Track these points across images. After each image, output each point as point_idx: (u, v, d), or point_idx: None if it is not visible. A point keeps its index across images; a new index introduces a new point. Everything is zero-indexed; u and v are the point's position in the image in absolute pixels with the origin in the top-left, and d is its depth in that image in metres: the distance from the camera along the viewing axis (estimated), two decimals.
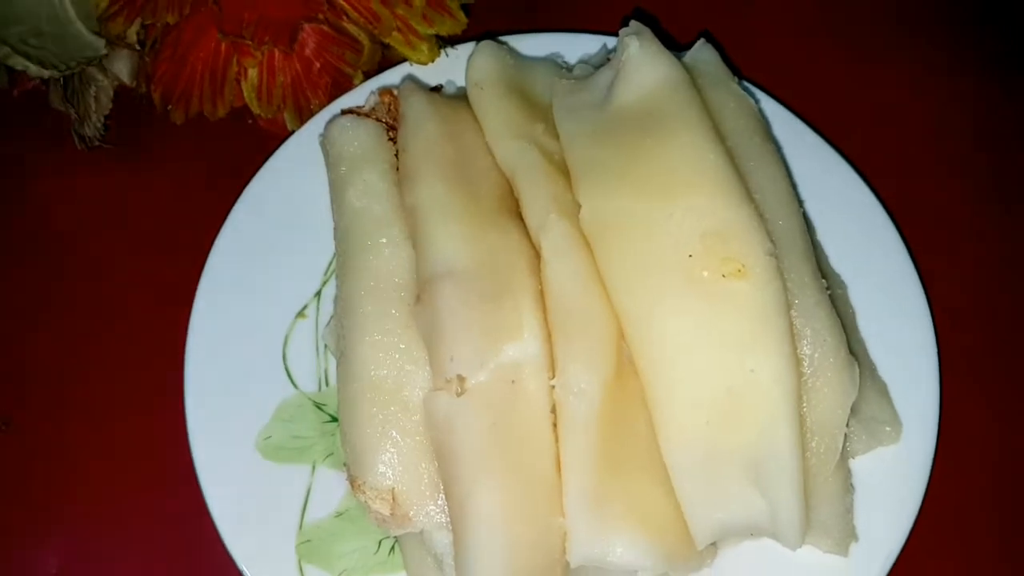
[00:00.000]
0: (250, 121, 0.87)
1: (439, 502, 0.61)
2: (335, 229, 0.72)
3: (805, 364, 0.61)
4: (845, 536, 0.63)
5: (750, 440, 0.58)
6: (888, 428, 0.67)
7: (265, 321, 0.73)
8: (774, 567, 0.63)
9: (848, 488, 0.63)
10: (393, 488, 0.61)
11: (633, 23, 0.71)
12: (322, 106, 0.82)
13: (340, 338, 0.67)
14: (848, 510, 0.63)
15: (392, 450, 0.62)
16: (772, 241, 0.61)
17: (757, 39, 0.92)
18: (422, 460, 0.62)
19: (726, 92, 0.71)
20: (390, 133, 0.74)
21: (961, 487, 0.72)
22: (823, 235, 0.74)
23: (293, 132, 0.81)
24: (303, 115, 0.82)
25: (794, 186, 0.69)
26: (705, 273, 0.60)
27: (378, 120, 0.75)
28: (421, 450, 0.62)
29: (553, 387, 0.61)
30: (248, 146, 0.84)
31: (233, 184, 0.78)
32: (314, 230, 0.76)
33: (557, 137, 0.71)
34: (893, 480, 0.66)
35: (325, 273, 0.76)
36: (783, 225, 0.65)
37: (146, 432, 0.75)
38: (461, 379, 0.60)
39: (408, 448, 0.62)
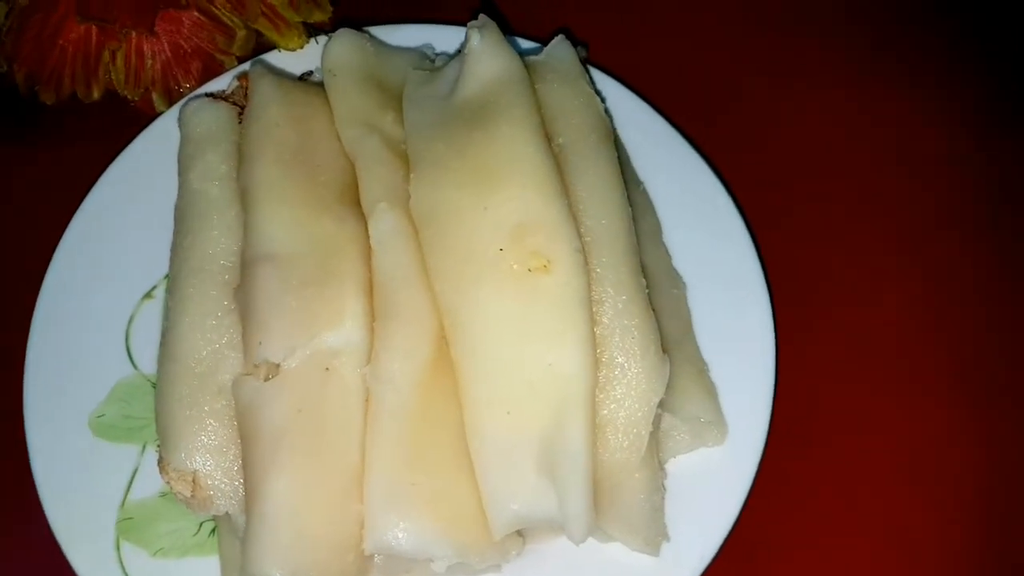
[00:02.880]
0: (133, 103, 0.87)
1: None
2: (175, 209, 0.72)
3: (618, 359, 0.61)
4: (655, 535, 0.62)
5: (545, 433, 0.58)
6: (714, 429, 0.67)
7: (112, 300, 0.74)
8: (585, 562, 0.64)
9: (658, 487, 0.63)
10: (196, 471, 0.61)
11: (481, 16, 0.71)
12: (193, 89, 0.82)
13: (166, 311, 0.68)
14: (656, 509, 0.63)
15: (199, 433, 0.62)
16: (580, 238, 0.61)
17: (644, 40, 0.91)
18: (231, 445, 0.62)
19: (573, 89, 0.71)
20: (242, 117, 0.75)
21: (789, 490, 0.71)
22: (673, 237, 0.74)
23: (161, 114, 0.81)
24: (173, 97, 0.82)
25: (623, 187, 0.68)
26: (514, 266, 0.60)
27: (234, 104, 0.76)
28: (232, 435, 0.62)
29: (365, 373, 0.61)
30: (126, 127, 0.84)
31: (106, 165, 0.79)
32: (166, 213, 0.76)
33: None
34: (716, 482, 0.66)
35: None
36: (605, 224, 0.65)
37: None
38: (269, 364, 0.60)
39: (218, 432, 0.62)
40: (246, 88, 0.76)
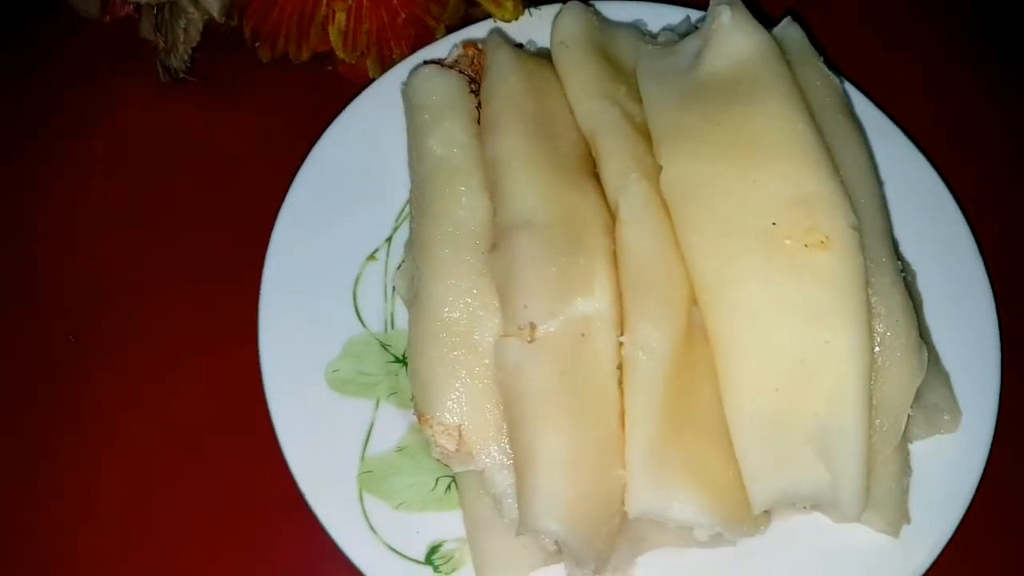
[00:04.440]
0: (330, 68, 0.89)
1: (502, 444, 0.62)
2: (413, 175, 0.73)
3: (876, 342, 0.62)
4: (898, 517, 0.63)
5: (818, 411, 0.59)
6: (947, 416, 0.67)
7: (338, 261, 0.75)
8: (824, 541, 0.64)
9: (906, 470, 0.64)
10: (460, 425, 0.62)
11: None
12: (404, 56, 0.83)
13: (414, 279, 0.69)
14: (904, 491, 0.63)
15: (461, 389, 0.63)
16: (856, 216, 0.61)
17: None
18: (488, 402, 0.63)
19: (812, 70, 0.71)
20: (472, 86, 0.75)
21: (1016, 481, 0.71)
22: (894, 222, 0.74)
23: (374, 79, 0.82)
24: (385, 63, 0.83)
25: (875, 167, 0.69)
26: (788, 241, 0.61)
27: (461, 72, 0.76)
28: (488, 393, 0.63)
29: (621, 344, 0.62)
30: (328, 91, 0.86)
31: (309, 128, 0.80)
32: (389, 178, 0.78)
33: (639, 101, 0.71)
34: (948, 468, 0.66)
35: (396, 220, 0.77)
36: (864, 203, 0.65)
37: (219, 365, 0.76)
38: (533, 327, 0.61)
39: (476, 389, 0.63)
40: (472, 57, 0.77)
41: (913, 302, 0.68)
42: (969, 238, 0.73)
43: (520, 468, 0.59)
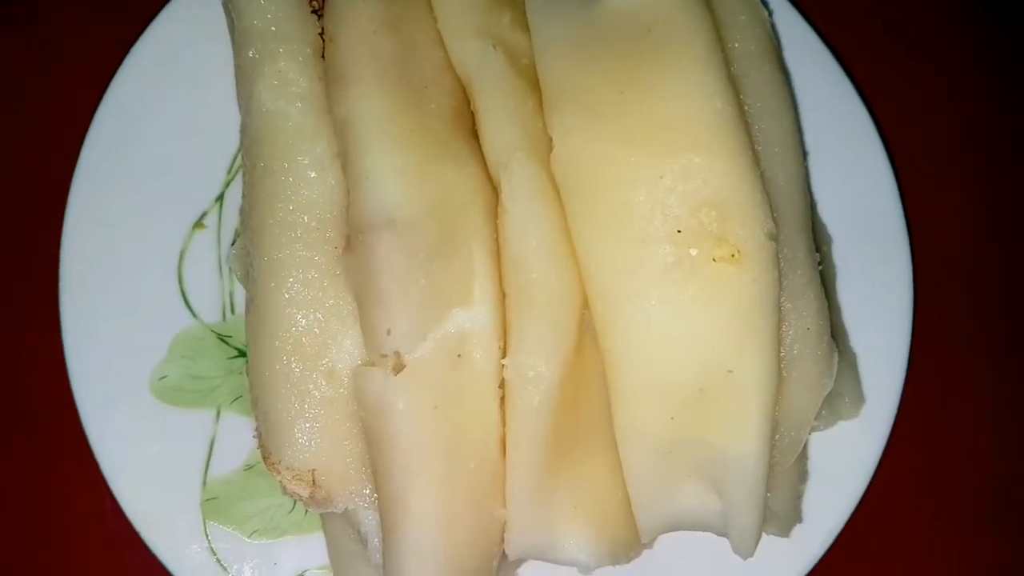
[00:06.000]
0: None
1: (366, 484, 0.54)
2: (242, 128, 0.58)
3: (784, 353, 0.55)
4: (791, 520, 0.60)
5: (715, 442, 0.53)
6: (848, 401, 0.63)
7: (155, 232, 0.61)
8: (713, 542, 0.61)
9: (803, 477, 0.60)
10: (314, 470, 0.53)
11: None
12: None
13: (250, 268, 0.56)
14: (799, 497, 0.60)
15: (313, 425, 0.53)
16: (774, 217, 0.52)
17: None
18: (347, 435, 0.54)
19: (739, 1, 0.58)
20: (313, 2, 0.59)
21: (916, 467, 0.69)
22: (816, 177, 0.65)
23: None
24: None
25: (799, 135, 0.58)
26: (694, 252, 0.51)
27: None
28: (347, 424, 0.54)
29: (504, 365, 0.53)
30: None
31: (105, 51, 0.62)
32: (215, 114, 0.62)
33: (528, 30, 0.57)
34: (844, 457, 0.63)
35: (229, 171, 0.63)
36: (784, 187, 0.56)
37: (13, 366, 0.63)
38: (398, 355, 0.51)
39: (332, 421, 0.54)
40: None
41: (825, 279, 0.62)
42: (895, 200, 0.66)
43: (387, 522, 0.52)
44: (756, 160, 0.53)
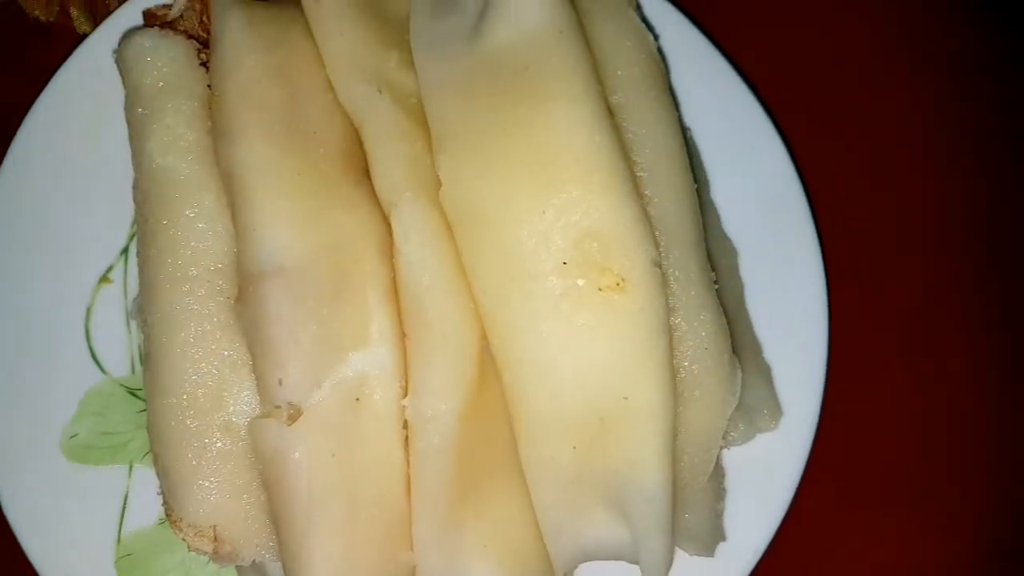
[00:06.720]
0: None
1: (272, 536, 0.54)
2: (134, 184, 0.58)
3: (683, 373, 0.55)
4: (713, 540, 0.60)
5: (617, 470, 0.53)
6: (766, 413, 0.62)
7: (61, 289, 0.61)
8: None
9: (720, 494, 0.60)
10: (215, 525, 0.53)
11: None
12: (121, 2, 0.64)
13: (143, 324, 0.56)
14: (719, 515, 0.60)
15: (212, 480, 0.53)
16: (657, 245, 0.52)
17: None
18: (248, 488, 0.54)
19: (623, 26, 0.59)
20: (201, 55, 0.59)
21: (838, 474, 0.69)
22: (718, 189, 0.65)
23: (85, 35, 0.64)
24: (97, 15, 0.64)
25: (687, 160, 0.58)
26: (581, 282, 0.51)
27: (187, 35, 0.59)
28: (247, 476, 0.54)
29: (405, 406, 0.53)
30: (33, 47, 0.67)
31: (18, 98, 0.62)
32: (117, 167, 0.62)
33: (415, 70, 0.58)
34: (766, 470, 0.62)
35: (133, 224, 0.63)
36: (671, 211, 0.56)
37: None
38: (292, 405, 0.51)
39: (231, 475, 0.54)
40: (200, 12, 0.60)
41: (731, 292, 0.63)
42: (803, 209, 0.65)
43: (289, 574, 0.51)
44: (637, 188, 0.53)
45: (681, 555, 0.60)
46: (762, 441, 0.63)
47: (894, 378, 0.71)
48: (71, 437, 0.59)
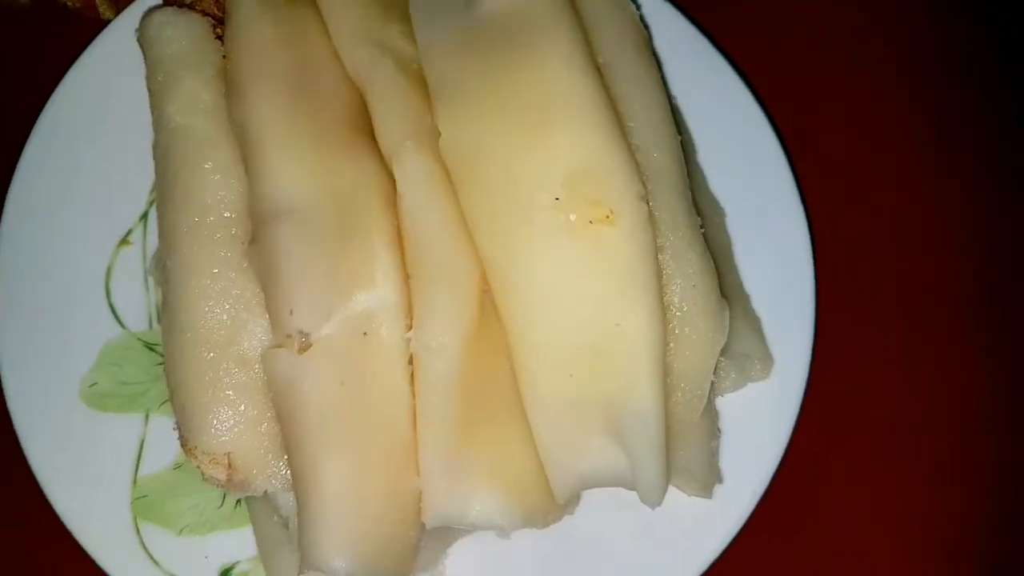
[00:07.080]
0: (73, 7, 0.73)
1: (284, 466, 0.56)
2: (154, 147, 0.62)
3: (674, 311, 0.58)
4: (710, 479, 0.61)
5: (612, 395, 0.55)
6: (758, 364, 0.65)
7: (83, 249, 0.65)
8: (638, 511, 0.62)
9: (715, 432, 0.62)
10: (229, 452, 0.55)
11: None
12: None
13: (163, 271, 0.59)
14: (714, 454, 0.62)
15: (227, 410, 0.56)
16: (644, 183, 0.56)
17: None
18: (262, 419, 0.56)
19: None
20: (217, 30, 0.64)
21: (833, 423, 0.71)
22: (705, 155, 0.69)
23: (108, 21, 0.68)
24: (120, 3, 0.69)
25: (674, 110, 0.62)
26: (572, 217, 0.54)
27: (204, 13, 0.64)
28: (261, 407, 0.56)
29: (409, 339, 0.56)
30: (62, 33, 0.71)
31: (36, 85, 0.67)
32: (137, 141, 0.66)
33: (415, 40, 0.62)
34: (760, 417, 0.64)
35: (151, 192, 0.67)
36: (657, 158, 0.59)
37: None
38: (303, 334, 0.54)
39: (245, 406, 0.56)
40: None
41: (719, 248, 0.65)
42: (785, 170, 0.68)
43: (300, 498, 0.54)
44: (623, 131, 0.56)
45: (682, 503, 0.62)
46: (755, 390, 0.65)
47: (888, 373, 0.72)
48: (91, 385, 0.61)
